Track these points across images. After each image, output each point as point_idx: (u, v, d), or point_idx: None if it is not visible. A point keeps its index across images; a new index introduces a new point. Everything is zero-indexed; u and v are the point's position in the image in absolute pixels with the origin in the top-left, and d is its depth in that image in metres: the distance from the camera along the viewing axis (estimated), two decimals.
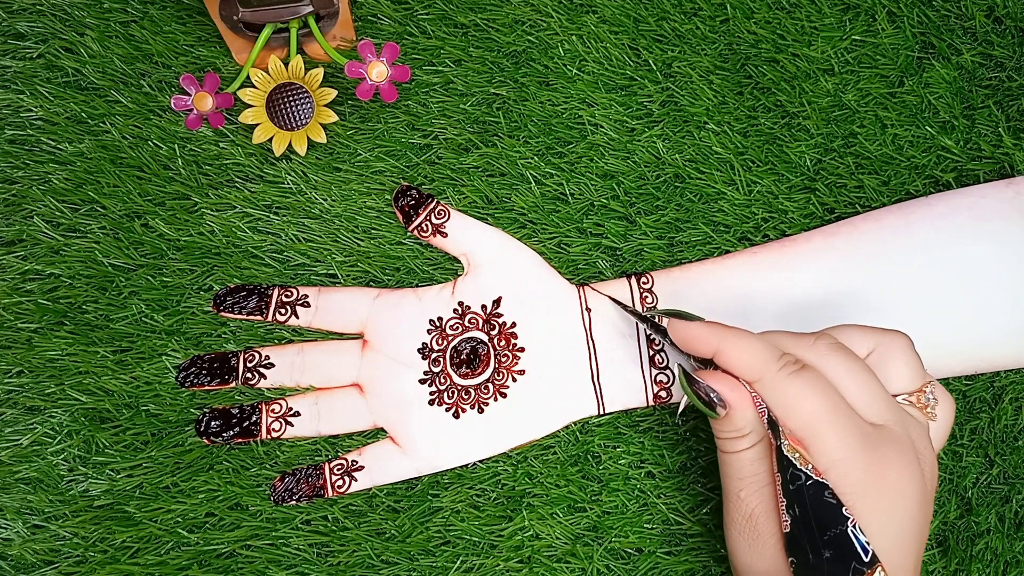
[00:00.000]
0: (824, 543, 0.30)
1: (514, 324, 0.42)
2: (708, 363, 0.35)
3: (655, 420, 0.42)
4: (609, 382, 0.41)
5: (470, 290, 0.43)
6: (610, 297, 0.42)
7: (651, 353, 0.42)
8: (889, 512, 0.31)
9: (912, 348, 0.35)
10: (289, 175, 0.43)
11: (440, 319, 0.42)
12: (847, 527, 0.30)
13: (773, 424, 0.32)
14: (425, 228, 0.43)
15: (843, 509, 0.30)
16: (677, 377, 0.34)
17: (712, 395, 0.33)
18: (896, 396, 0.34)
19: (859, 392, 0.33)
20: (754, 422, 0.33)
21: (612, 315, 0.42)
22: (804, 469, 0.31)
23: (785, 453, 0.31)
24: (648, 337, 0.42)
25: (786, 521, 0.31)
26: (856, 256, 0.42)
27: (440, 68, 0.44)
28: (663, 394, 0.41)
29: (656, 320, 0.37)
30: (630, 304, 0.42)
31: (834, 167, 0.44)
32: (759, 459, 0.33)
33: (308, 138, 0.42)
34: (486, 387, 0.42)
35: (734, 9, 0.45)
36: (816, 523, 0.30)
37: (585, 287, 0.42)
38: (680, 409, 0.37)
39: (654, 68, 0.44)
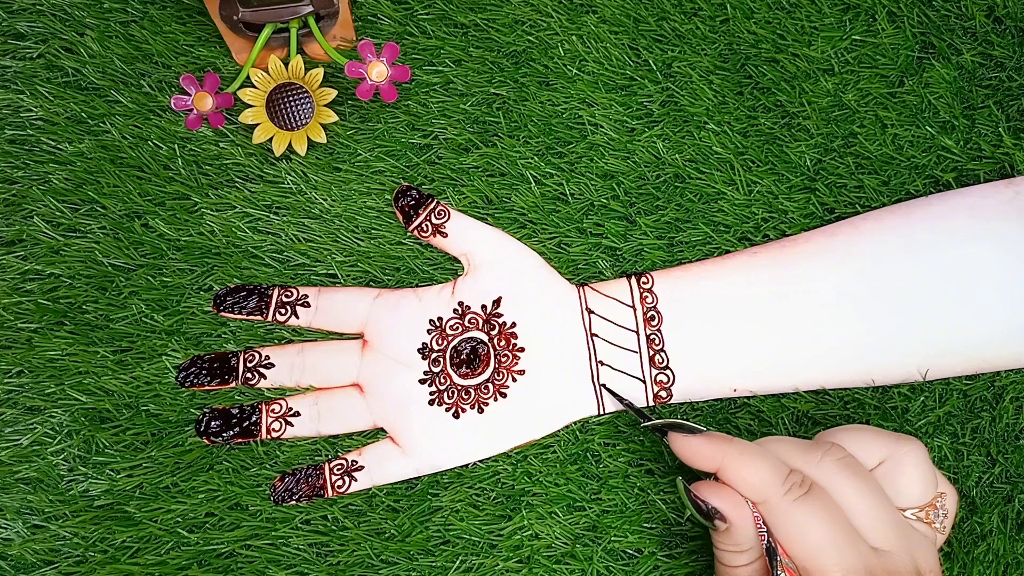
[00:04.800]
0: None
1: (514, 324, 0.42)
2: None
3: (655, 419, 0.42)
4: (609, 382, 0.41)
5: (470, 290, 0.43)
6: (613, 393, 0.41)
7: (651, 353, 0.42)
8: None
9: (926, 459, 0.34)
10: (289, 175, 0.43)
11: (440, 319, 0.42)
12: None
13: (771, 551, 0.31)
14: (425, 228, 0.43)
15: None
16: (677, 488, 0.34)
17: (711, 508, 0.32)
18: (905, 510, 0.33)
19: (866, 515, 0.32)
20: (754, 540, 0.32)
21: (612, 315, 0.42)
22: None
23: None
24: (648, 337, 0.42)
25: None
26: (856, 256, 0.42)
27: (440, 68, 0.44)
28: (663, 394, 0.41)
29: (658, 427, 0.37)
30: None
31: (834, 167, 0.44)
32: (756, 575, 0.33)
33: (308, 138, 0.42)
34: (486, 387, 0.42)
35: (734, 9, 0.45)
36: None
37: (585, 287, 0.42)
38: (688, 514, 0.36)
39: (654, 68, 0.44)
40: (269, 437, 0.41)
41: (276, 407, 0.41)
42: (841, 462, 0.33)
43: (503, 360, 0.42)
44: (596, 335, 0.42)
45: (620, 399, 0.40)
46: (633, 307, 0.42)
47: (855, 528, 0.31)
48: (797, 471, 0.32)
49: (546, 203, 0.43)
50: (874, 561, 0.31)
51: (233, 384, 0.41)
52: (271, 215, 0.43)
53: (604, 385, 0.41)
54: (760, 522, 0.32)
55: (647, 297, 0.42)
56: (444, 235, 0.43)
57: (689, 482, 0.34)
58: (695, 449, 0.33)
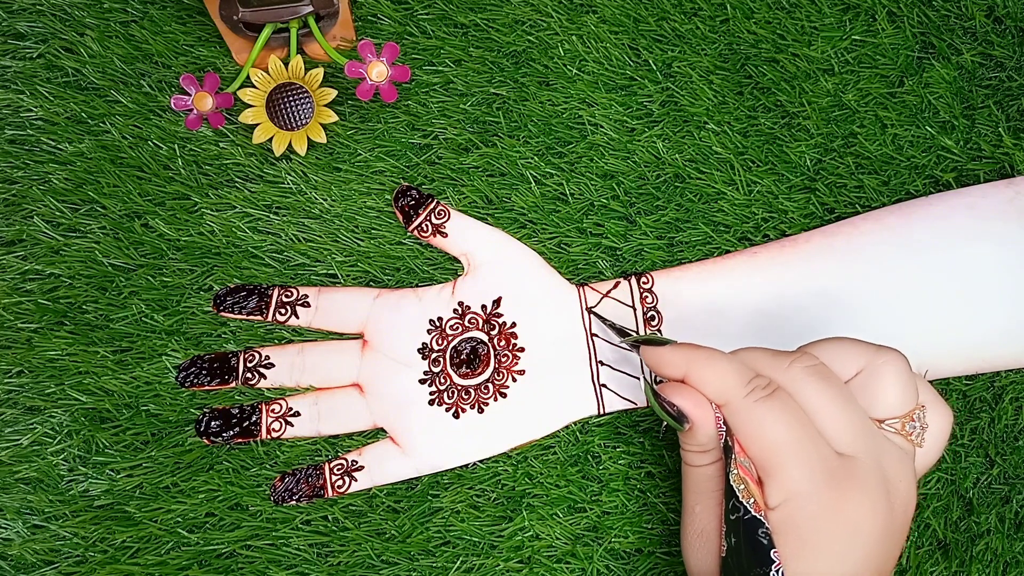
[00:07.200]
0: None
1: (514, 324, 0.42)
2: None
3: (655, 420, 0.42)
4: (609, 382, 0.41)
5: (470, 290, 0.43)
6: (590, 311, 0.41)
7: None
8: (843, 551, 0.30)
9: (905, 369, 0.33)
10: (289, 175, 0.43)
11: (440, 319, 0.42)
12: (771, 570, 0.29)
13: (727, 449, 0.31)
14: (425, 228, 0.43)
15: (772, 552, 0.29)
16: (643, 392, 0.34)
17: (674, 407, 0.32)
18: (882, 420, 0.33)
19: (831, 419, 0.31)
20: (715, 440, 0.32)
21: (612, 315, 0.42)
22: (744, 502, 0.30)
23: (731, 482, 0.31)
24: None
25: (723, 547, 0.31)
26: (856, 256, 0.42)
27: (440, 68, 0.44)
28: None
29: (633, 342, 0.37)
30: (626, 305, 0.42)
31: (834, 167, 0.44)
32: (718, 477, 0.33)
33: (308, 138, 0.42)
34: (486, 387, 0.42)
35: (734, 9, 0.45)
36: (746, 557, 0.30)
37: (585, 287, 0.42)
38: (664, 427, 0.37)
39: (654, 68, 0.44)
40: (269, 437, 0.41)
41: (276, 407, 0.41)
42: (809, 369, 0.32)
43: (503, 360, 0.42)
44: (596, 335, 0.42)
45: (602, 319, 0.40)
46: (633, 307, 0.42)
47: (819, 432, 0.31)
48: (763, 376, 0.32)
49: (546, 203, 0.43)
50: (835, 463, 0.30)
51: (233, 384, 0.41)
52: (271, 215, 0.43)
53: (591, 310, 0.41)
54: (721, 423, 0.32)
55: (647, 297, 0.42)
56: (444, 235, 0.43)
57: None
58: (663, 357, 0.33)
